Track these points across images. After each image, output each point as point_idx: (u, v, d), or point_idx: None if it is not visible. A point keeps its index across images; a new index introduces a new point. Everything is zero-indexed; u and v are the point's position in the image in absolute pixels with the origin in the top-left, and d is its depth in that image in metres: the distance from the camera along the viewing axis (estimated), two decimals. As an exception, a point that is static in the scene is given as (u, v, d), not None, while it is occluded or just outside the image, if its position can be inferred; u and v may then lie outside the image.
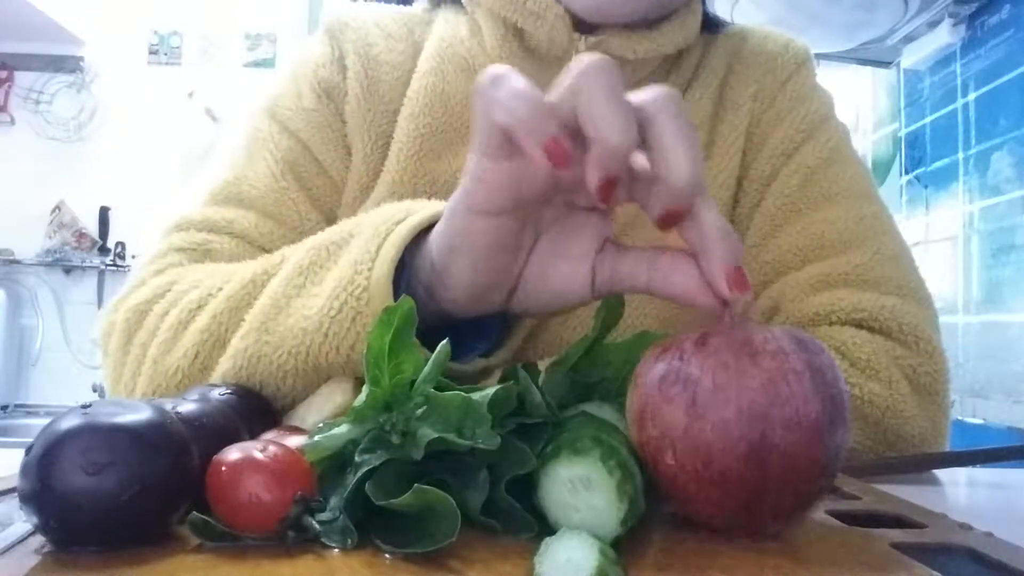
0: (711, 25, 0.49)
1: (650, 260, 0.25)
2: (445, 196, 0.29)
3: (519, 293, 0.28)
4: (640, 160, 0.23)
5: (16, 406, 1.89)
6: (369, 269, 0.29)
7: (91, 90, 1.98)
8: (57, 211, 1.94)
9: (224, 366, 0.33)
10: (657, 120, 0.22)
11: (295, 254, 0.33)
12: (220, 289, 0.35)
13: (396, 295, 0.29)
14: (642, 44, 0.43)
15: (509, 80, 0.23)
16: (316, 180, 0.45)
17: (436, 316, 0.29)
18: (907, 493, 0.28)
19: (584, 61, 0.22)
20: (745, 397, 0.20)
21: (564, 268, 0.27)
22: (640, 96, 0.23)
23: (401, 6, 0.52)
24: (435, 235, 0.28)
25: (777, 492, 0.20)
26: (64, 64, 1.98)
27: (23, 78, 1.98)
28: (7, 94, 1.97)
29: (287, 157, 0.45)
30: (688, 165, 0.22)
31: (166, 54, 2.01)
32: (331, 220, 0.44)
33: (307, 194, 0.45)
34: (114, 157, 1.97)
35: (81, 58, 1.98)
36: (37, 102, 1.97)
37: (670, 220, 0.23)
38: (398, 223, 0.30)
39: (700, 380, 0.21)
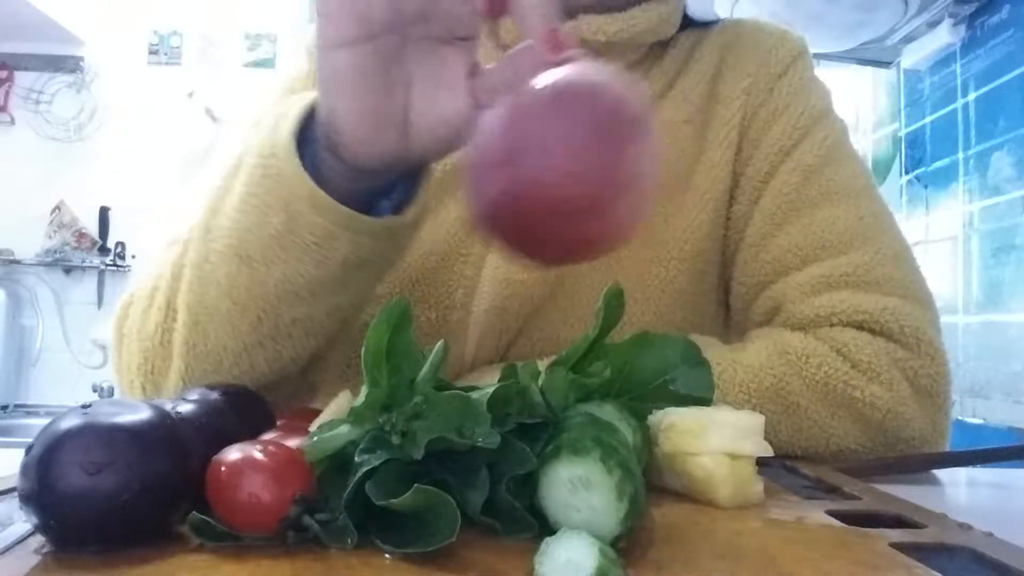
0: (694, 23, 0.49)
1: (508, 62, 0.27)
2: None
3: (413, 132, 0.29)
4: None
5: (16, 406, 1.89)
6: (274, 134, 0.31)
7: (91, 90, 1.98)
8: (57, 211, 1.94)
9: (182, 289, 0.35)
10: None
11: (221, 169, 0.36)
12: (177, 247, 0.38)
13: (305, 157, 0.31)
14: (612, 26, 0.44)
15: None
16: None
17: (349, 177, 0.31)
18: (907, 493, 0.28)
19: None
20: (506, 137, 0.23)
21: (443, 97, 0.28)
22: None
23: None
24: (316, 89, 0.30)
25: (538, 220, 0.23)
26: (64, 64, 1.98)
27: (23, 78, 1.98)
28: (7, 94, 1.97)
29: None
30: None
31: (166, 54, 2.01)
32: None
33: None
34: (114, 157, 1.97)
35: (81, 58, 1.98)
36: (37, 102, 1.97)
37: (494, 8, 0.25)
38: (293, 102, 0.32)
39: (483, 128, 0.24)
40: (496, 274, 0.43)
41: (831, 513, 0.25)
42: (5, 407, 1.86)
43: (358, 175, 0.30)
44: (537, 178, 0.22)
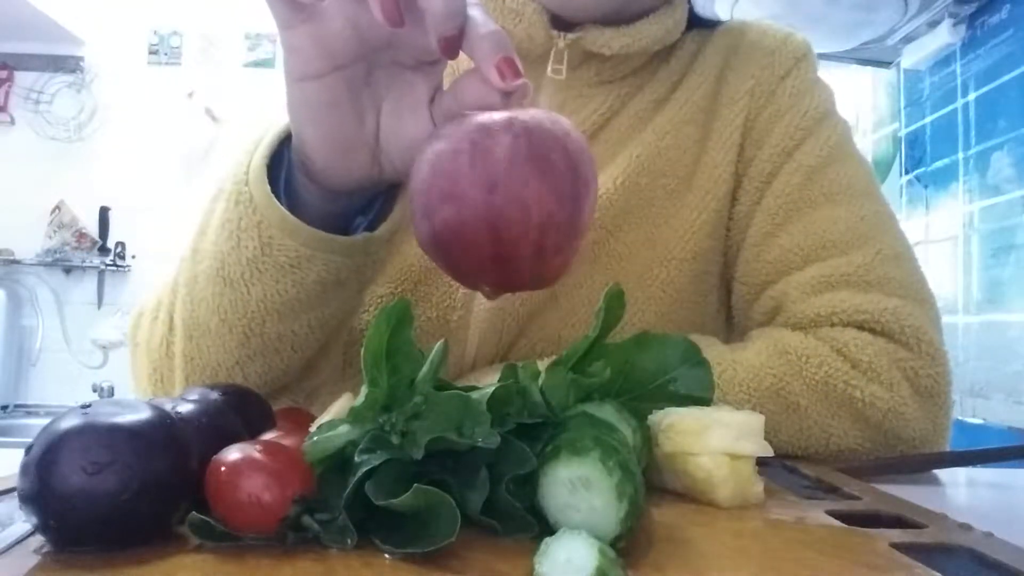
0: (699, 23, 0.49)
1: (452, 87, 0.28)
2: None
3: (383, 156, 0.30)
4: None
5: (16, 406, 1.89)
6: (249, 161, 0.33)
7: (91, 90, 1.98)
8: (57, 211, 1.94)
9: (179, 311, 0.37)
10: None
11: (208, 192, 0.38)
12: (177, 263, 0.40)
13: (280, 182, 0.32)
14: (618, 40, 0.43)
15: None
16: None
17: (324, 198, 0.32)
18: (907, 493, 0.28)
19: None
20: (422, 173, 0.24)
21: (409, 122, 0.29)
22: None
23: None
24: (287, 116, 0.31)
25: (459, 252, 0.23)
26: (64, 64, 1.98)
27: (23, 78, 1.98)
28: (7, 94, 1.97)
29: None
30: None
31: (166, 54, 2.01)
32: None
33: None
34: (114, 157, 1.97)
35: (81, 58, 1.98)
36: (37, 102, 1.97)
37: (448, 47, 0.25)
38: (268, 128, 0.34)
39: (427, 155, 0.24)
40: None
41: (831, 513, 0.25)
42: (5, 407, 1.86)
43: (333, 196, 0.32)
44: (475, 215, 0.23)
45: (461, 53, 0.25)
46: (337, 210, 0.32)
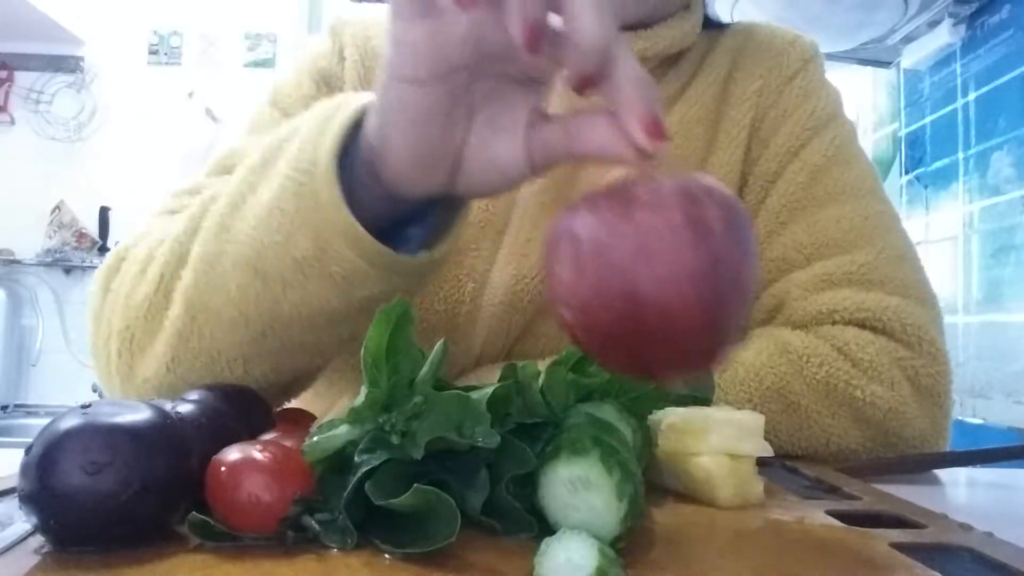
0: (712, 25, 0.49)
1: (567, 122, 0.25)
2: None
3: (462, 172, 0.28)
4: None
5: (16, 406, 1.89)
6: (314, 147, 0.29)
7: (91, 90, 1.98)
8: (57, 211, 1.94)
9: (185, 280, 0.33)
10: None
11: (247, 159, 0.33)
12: (183, 219, 0.35)
13: (341, 176, 0.28)
14: (637, 44, 0.44)
15: None
16: None
17: (384, 202, 0.29)
18: (907, 493, 0.28)
19: None
20: (616, 254, 0.20)
21: (501, 143, 0.26)
22: None
23: None
24: (370, 112, 0.28)
25: (663, 347, 0.20)
26: (64, 64, 1.97)
27: (23, 78, 1.98)
28: (7, 94, 1.96)
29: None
30: (595, 25, 0.21)
31: (166, 54, 2.01)
32: None
33: None
34: (114, 157, 1.97)
35: (81, 58, 1.98)
36: (37, 102, 1.97)
37: (583, 85, 0.22)
38: (339, 107, 0.30)
39: (581, 238, 0.20)
40: (506, 270, 0.43)
41: (831, 513, 0.25)
42: (5, 407, 1.86)
43: (394, 202, 0.29)
44: (687, 300, 0.19)
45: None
46: (389, 214, 0.29)
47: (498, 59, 0.25)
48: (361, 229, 0.28)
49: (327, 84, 0.47)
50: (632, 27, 0.44)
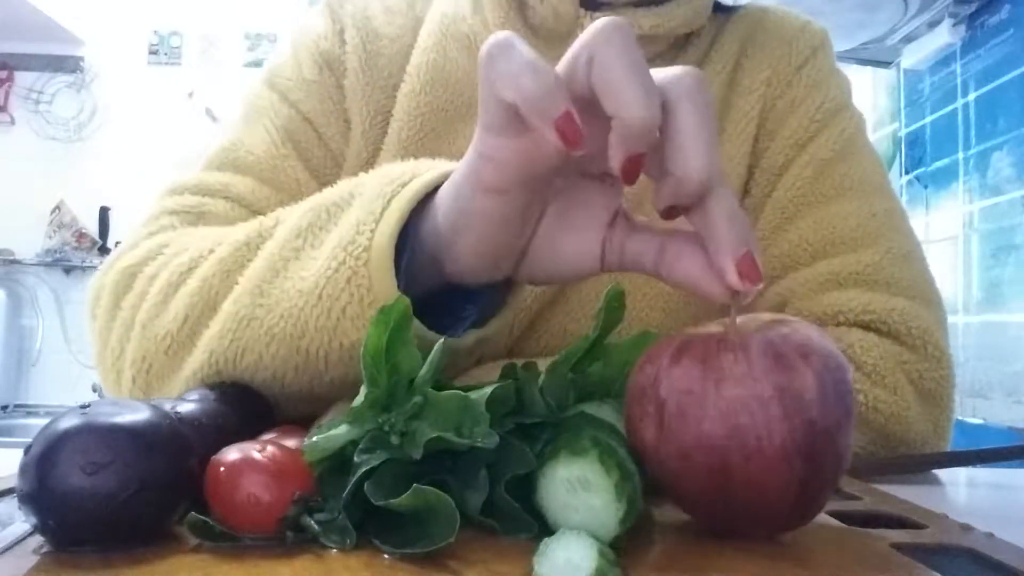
0: (722, 8, 0.48)
1: (660, 242, 0.24)
2: None
3: (526, 262, 0.27)
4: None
5: (16, 406, 1.89)
6: (372, 230, 0.27)
7: (91, 90, 1.98)
8: (57, 211, 1.94)
9: (212, 330, 0.31)
10: (680, 108, 0.21)
11: (292, 216, 0.31)
12: (212, 252, 0.33)
13: (398, 260, 0.27)
14: (648, 20, 0.42)
15: (515, 49, 0.21)
16: (315, 150, 0.44)
17: (440, 285, 0.28)
18: (907, 493, 0.28)
19: (598, 24, 0.21)
20: (704, 429, 0.19)
21: (573, 239, 0.26)
22: (664, 74, 0.22)
23: None
24: (441, 208, 0.27)
25: (746, 519, 0.20)
26: (64, 64, 1.98)
27: (23, 78, 1.98)
28: (7, 94, 1.97)
29: (287, 126, 0.44)
30: (704, 163, 0.21)
31: (166, 54, 2.01)
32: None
33: (305, 163, 0.44)
34: (114, 157, 1.97)
35: (81, 58, 1.98)
36: (37, 102, 1.97)
37: (674, 214, 0.22)
38: (404, 184, 0.28)
39: (667, 403, 0.20)
40: None
41: (831, 513, 0.24)
42: (5, 407, 1.86)
43: (452, 287, 0.28)
44: (754, 484, 0.19)
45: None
46: (440, 290, 0.28)
47: (583, 161, 0.25)
48: (420, 326, 0.26)
49: (330, 68, 0.45)
50: (643, 3, 0.42)
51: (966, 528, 0.23)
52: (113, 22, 1.98)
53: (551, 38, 0.43)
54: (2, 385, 1.85)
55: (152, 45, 2.01)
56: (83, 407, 0.20)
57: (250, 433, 0.26)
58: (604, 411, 0.25)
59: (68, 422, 0.19)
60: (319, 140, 0.45)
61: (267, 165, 0.43)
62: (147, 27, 2.01)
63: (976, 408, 1.07)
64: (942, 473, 0.39)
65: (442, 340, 0.24)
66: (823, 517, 0.24)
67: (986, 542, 0.22)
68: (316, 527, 0.20)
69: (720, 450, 0.19)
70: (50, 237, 1.93)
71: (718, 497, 0.20)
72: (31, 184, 1.94)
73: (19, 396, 1.92)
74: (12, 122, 1.97)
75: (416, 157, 0.41)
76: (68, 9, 1.87)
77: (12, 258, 1.92)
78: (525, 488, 0.21)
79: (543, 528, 0.21)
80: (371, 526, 0.21)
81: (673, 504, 0.23)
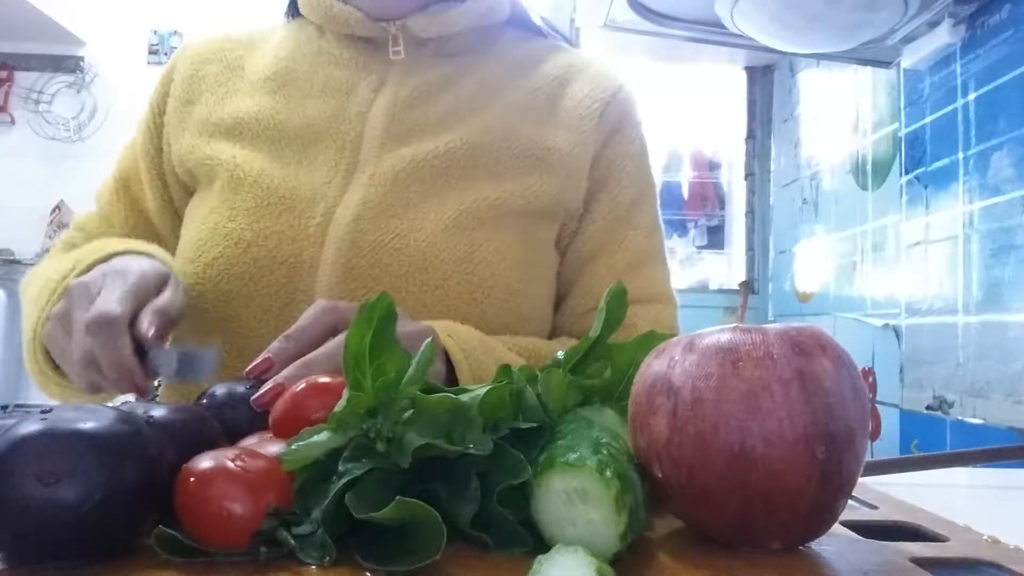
0: (519, 23, 0.53)
1: None
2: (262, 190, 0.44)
3: None
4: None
5: (16, 406, 1.88)
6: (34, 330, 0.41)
7: (91, 90, 1.98)
8: (57, 211, 1.94)
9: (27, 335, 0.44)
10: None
11: (49, 270, 0.45)
12: (30, 283, 0.47)
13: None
14: (434, 27, 0.49)
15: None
16: (139, 195, 0.55)
17: None
18: (907, 493, 0.27)
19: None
20: (723, 410, 0.19)
21: None
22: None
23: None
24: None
25: (765, 508, 0.19)
26: (64, 64, 1.97)
27: (23, 78, 1.97)
28: (7, 94, 1.96)
29: (124, 174, 0.56)
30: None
31: (166, 54, 2.01)
32: (151, 223, 0.54)
33: (134, 205, 0.55)
34: (114, 157, 1.95)
35: (81, 58, 1.98)
36: (37, 102, 1.96)
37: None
38: (63, 278, 0.42)
39: (681, 391, 0.19)
40: (353, 198, 0.44)
41: (846, 524, 0.23)
42: (5, 407, 1.85)
43: None
44: (775, 466, 0.18)
45: None
46: None
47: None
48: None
49: (154, 123, 0.55)
50: (433, 11, 0.48)
51: (992, 541, 0.21)
52: (113, 22, 1.98)
53: (374, 44, 0.50)
54: (2, 385, 1.83)
55: (152, 45, 2.01)
56: (44, 412, 0.19)
57: (234, 437, 0.24)
58: (605, 415, 0.24)
59: (25, 428, 0.18)
60: (140, 189, 0.55)
61: (107, 206, 0.56)
62: (147, 27, 2.01)
63: (976, 408, 1.06)
64: (942, 473, 0.38)
65: (430, 339, 0.22)
66: (838, 527, 0.23)
67: (1014, 556, 0.20)
68: (292, 542, 0.19)
69: (739, 432, 0.18)
70: (50, 237, 1.93)
71: (736, 487, 0.19)
72: (31, 184, 1.94)
73: (19, 396, 1.91)
74: (12, 122, 1.96)
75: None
76: (68, 9, 1.86)
77: (12, 258, 1.91)
78: (520, 499, 0.20)
79: (538, 543, 0.20)
80: (353, 540, 0.19)
81: (680, 518, 0.22)
